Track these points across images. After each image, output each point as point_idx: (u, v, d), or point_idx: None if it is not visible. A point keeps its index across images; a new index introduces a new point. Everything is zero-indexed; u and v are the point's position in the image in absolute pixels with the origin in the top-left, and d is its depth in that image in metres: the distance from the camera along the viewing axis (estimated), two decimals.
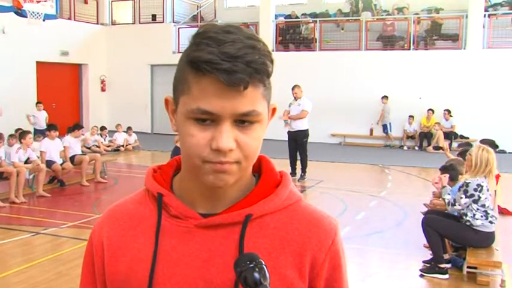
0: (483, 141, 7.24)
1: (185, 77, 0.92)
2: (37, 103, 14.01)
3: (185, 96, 0.92)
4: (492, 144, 6.90)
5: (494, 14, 15.97)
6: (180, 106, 0.94)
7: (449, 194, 5.23)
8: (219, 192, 0.98)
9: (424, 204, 6.79)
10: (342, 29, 17.72)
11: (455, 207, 5.13)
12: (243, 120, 0.91)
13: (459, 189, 5.15)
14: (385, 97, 15.63)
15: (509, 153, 14.03)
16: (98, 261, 1.06)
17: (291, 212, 1.01)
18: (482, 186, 5.07)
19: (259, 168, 1.04)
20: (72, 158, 9.88)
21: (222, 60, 0.87)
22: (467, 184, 5.08)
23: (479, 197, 5.06)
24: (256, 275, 0.85)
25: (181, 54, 0.98)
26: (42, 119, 13.29)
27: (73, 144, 10.06)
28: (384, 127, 15.86)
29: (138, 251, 1.01)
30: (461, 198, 5.07)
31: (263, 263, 0.87)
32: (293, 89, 10.10)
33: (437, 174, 7.22)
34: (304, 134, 9.97)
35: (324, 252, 0.99)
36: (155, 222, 1.01)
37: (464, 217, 5.13)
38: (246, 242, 0.96)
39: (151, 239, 1.00)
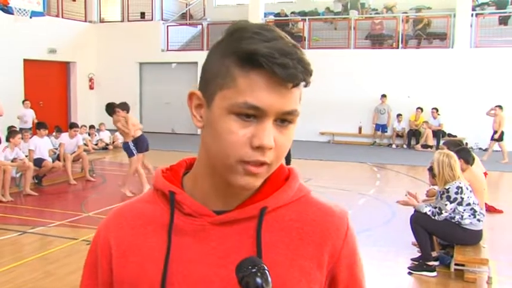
0: (447, 143, 7.27)
1: (227, 71, 0.89)
2: (23, 101, 13.88)
3: (227, 90, 0.88)
4: (455, 144, 6.94)
5: (481, 14, 16.10)
6: (219, 100, 0.89)
7: (427, 207, 5.27)
8: (236, 190, 0.95)
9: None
10: (335, 29, 17.75)
11: (442, 215, 5.16)
12: (282, 119, 0.90)
13: (441, 197, 5.19)
14: (384, 96, 15.64)
15: (496, 151, 14.14)
16: (104, 263, 1.03)
17: (304, 204, 1.01)
18: (461, 188, 5.12)
19: None
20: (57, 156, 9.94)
21: (279, 55, 0.85)
22: (447, 190, 5.13)
23: (462, 198, 5.12)
24: (259, 280, 0.83)
25: (210, 49, 0.95)
26: (29, 117, 13.19)
27: (68, 143, 10.04)
28: (384, 126, 15.86)
29: (149, 250, 0.99)
30: (446, 205, 5.12)
31: (265, 267, 0.86)
32: None
33: (426, 173, 7.27)
34: None
35: (341, 239, 1.00)
36: (167, 221, 0.99)
37: (452, 220, 5.18)
38: (263, 235, 0.95)
39: (164, 238, 0.98)
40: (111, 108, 8.67)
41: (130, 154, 8.55)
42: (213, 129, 0.91)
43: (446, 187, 5.13)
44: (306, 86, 0.92)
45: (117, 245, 1.02)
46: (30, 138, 9.70)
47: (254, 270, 0.84)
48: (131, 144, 8.50)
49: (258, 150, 0.88)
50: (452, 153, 5.31)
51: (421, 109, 15.20)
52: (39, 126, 9.75)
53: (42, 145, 9.44)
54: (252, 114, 0.87)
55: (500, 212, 7.72)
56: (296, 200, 1.00)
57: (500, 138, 12.91)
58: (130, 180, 8.77)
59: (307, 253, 0.97)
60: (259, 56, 0.85)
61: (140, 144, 8.66)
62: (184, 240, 0.97)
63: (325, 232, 0.99)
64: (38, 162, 9.13)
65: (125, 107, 8.57)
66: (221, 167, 0.92)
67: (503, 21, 16.10)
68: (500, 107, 13.00)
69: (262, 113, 0.87)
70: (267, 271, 0.85)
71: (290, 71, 0.86)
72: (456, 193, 5.10)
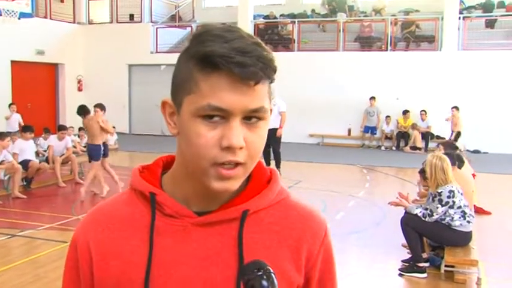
0: (444, 144, 7.35)
1: (190, 76, 0.90)
2: (10, 105, 13.74)
3: (192, 95, 0.90)
4: (451, 146, 7.02)
5: (469, 17, 16.26)
6: (185, 106, 0.91)
7: (418, 208, 5.30)
8: (215, 194, 0.95)
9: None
10: (324, 31, 17.81)
11: (433, 217, 5.19)
12: (250, 117, 0.90)
13: (433, 200, 5.23)
14: (372, 98, 15.69)
15: (484, 153, 14.27)
16: (84, 267, 1.02)
17: (283, 207, 1.02)
18: (454, 191, 5.17)
19: None
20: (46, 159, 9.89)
21: (235, 54, 0.86)
22: (439, 193, 5.17)
23: (454, 202, 5.16)
24: (265, 283, 0.84)
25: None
26: (15, 121, 13.06)
27: (57, 145, 9.99)
28: (373, 128, 15.91)
29: (130, 253, 0.98)
30: (437, 208, 5.17)
31: (271, 270, 0.86)
32: None
33: (415, 174, 7.32)
34: (276, 131, 10.19)
35: (318, 245, 1.01)
36: (147, 222, 0.98)
37: (442, 221, 5.22)
38: (244, 237, 0.96)
39: (145, 240, 0.97)
40: (83, 110, 8.64)
41: (96, 158, 8.53)
42: (184, 135, 0.92)
43: (439, 190, 5.16)
44: (271, 82, 0.92)
45: (96, 248, 1.01)
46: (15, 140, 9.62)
47: (260, 273, 0.85)
48: (102, 148, 8.54)
49: (228, 150, 0.88)
50: (444, 157, 5.35)
51: (409, 111, 15.30)
52: (25, 129, 9.66)
53: (27, 148, 9.34)
54: (217, 115, 0.88)
55: (489, 213, 7.78)
56: (276, 203, 1.01)
57: (455, 139, 13.11)
58: (93, 182, 8.83)
59: (285, 256, 0.98)
60: (216, 57, 0.86)
61: (106, 149, 8.81)
62: (165, 242, 0.97)
63: (302, 236, 1.00)
64: (24, 164, 9.03)
65: (103, 107, 8.60)
66: (197, 172, 0.92)
67: (489, 24, 16.26)
68: (456, 108, 13.27)
69: (227, 114, 0.88)
70: (272, 274, 0.86)
71: (249, 69, 0.86)
72: (448, 197, 5.13)
